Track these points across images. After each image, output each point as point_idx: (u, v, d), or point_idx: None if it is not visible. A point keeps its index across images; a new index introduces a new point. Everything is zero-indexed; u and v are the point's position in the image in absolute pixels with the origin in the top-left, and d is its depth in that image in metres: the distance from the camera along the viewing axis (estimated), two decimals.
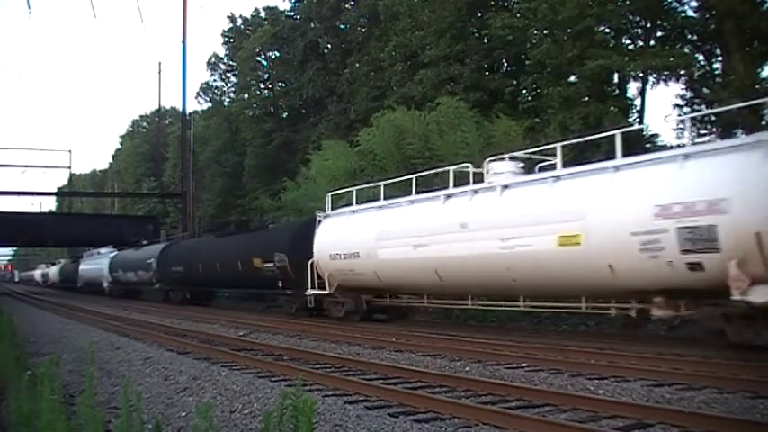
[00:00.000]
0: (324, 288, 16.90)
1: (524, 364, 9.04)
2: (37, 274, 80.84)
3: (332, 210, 17.69)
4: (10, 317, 13.81)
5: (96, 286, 41.43)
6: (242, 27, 43.94)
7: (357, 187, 17.30)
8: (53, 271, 64.19)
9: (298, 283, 17.96)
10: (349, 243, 16.12)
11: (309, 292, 17.20)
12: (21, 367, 6.95)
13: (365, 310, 16.58)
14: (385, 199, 15.92)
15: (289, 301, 19.73)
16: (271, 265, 19.42)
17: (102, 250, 42.15)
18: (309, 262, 17.17)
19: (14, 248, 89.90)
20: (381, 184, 16.28)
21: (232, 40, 44.32)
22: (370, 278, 15.73)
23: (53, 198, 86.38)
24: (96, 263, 42.40)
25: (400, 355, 10.57)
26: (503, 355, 9.97)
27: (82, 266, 46.06)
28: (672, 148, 15.13)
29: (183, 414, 6.76)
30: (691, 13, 19.50)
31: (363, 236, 15.76)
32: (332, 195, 17.91)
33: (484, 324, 16.17)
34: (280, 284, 19.47)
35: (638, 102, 20.48)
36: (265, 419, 3.36)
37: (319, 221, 17.60)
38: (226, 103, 46.71)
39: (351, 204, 17.03)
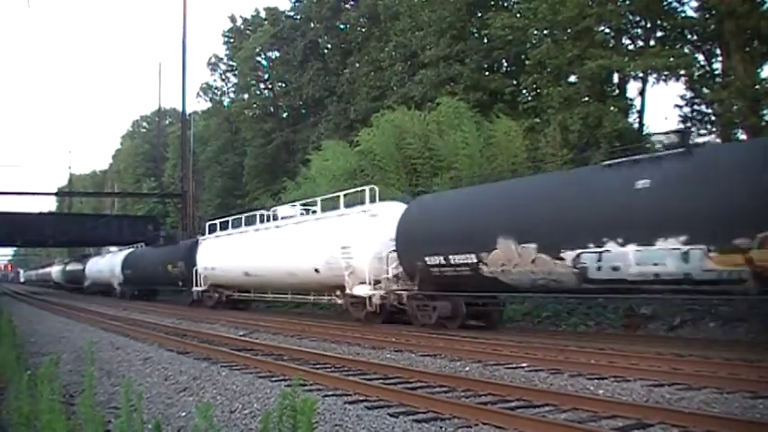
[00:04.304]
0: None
1: (524, 364, 9.03)
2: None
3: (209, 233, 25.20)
4: (10, 317, 13.81)
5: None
6: (242, 27, 43.98)
7: (232, 217, 24.06)
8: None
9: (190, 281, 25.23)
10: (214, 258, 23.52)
11: (194, 288, 25.15)
12: (21, 367, 6.96)
13: (225, 301, 23.83)
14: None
15: (186, 294, 26.92)
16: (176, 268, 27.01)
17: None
18: (194, 269, 24.92)
19: (15, 248, 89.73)
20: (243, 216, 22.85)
21: (232, 40, 44.37)
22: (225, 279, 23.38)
23: (53, 198, 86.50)
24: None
25: (400, 355, 10.56)
26: (503, 355, 9.96)
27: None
28: None
29: (183, 414, 6.76)
30: (691, 13, 19.49)
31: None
32: (209, 224, 25.55)
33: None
34: (180, 283, 27.11)
35: (638, 102, 20.47)
36: (263, 420, 3.35)
37: (197, 242, 26.06)
38: (226, 104, 46.73)
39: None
